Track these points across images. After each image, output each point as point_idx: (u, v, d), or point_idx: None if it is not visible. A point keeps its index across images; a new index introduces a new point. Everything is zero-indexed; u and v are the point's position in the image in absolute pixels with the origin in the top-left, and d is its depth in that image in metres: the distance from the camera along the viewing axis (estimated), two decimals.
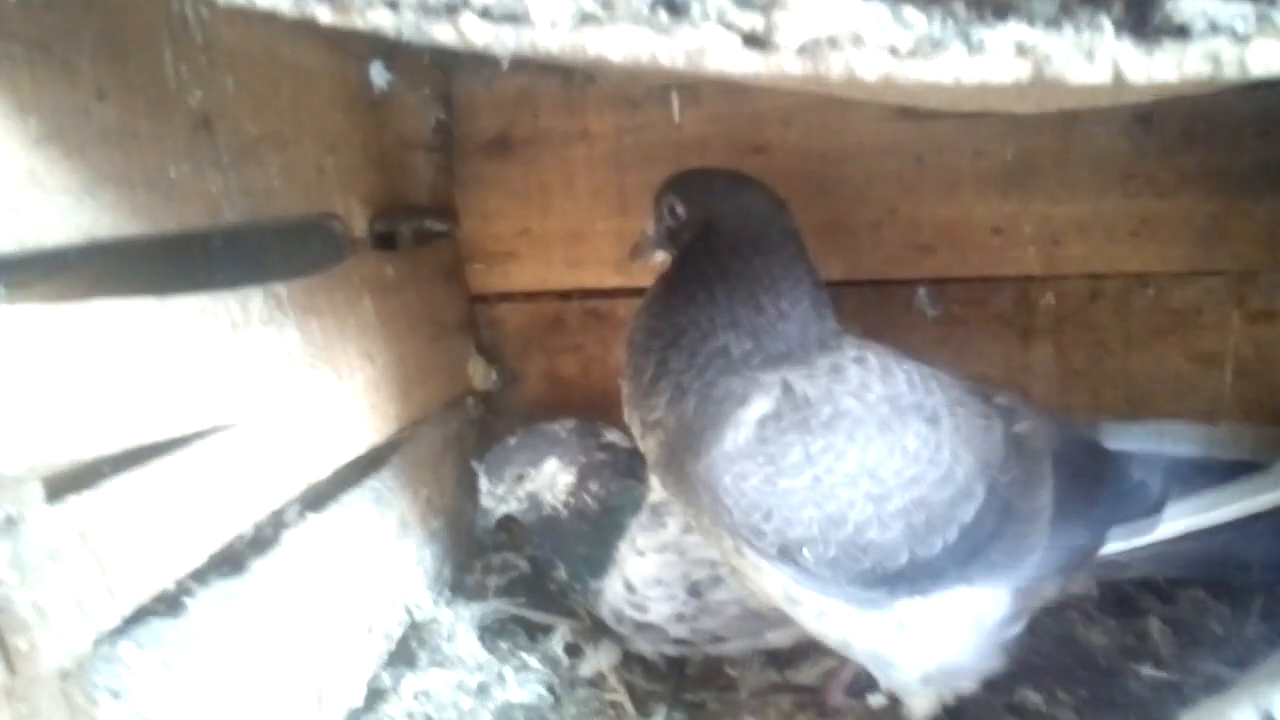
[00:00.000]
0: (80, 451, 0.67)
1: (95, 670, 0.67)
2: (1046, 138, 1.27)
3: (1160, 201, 1.26)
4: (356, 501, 1.04)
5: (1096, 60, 0.43)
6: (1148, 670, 1.13)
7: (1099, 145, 1.26)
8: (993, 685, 1.06)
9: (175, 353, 0.78)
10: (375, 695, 1.01)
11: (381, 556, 1.05)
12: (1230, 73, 0.43)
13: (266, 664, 0.83)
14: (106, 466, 0.71)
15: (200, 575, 0.85)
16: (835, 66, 0.45)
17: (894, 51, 0.45)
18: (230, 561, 0.89)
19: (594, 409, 1.39)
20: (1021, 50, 0.44)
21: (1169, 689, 1.10)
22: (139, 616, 0.74)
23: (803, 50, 0.45)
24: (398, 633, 1.08)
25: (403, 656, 1.08)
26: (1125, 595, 1.27)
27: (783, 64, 0.45)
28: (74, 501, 0.66)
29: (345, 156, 1.09)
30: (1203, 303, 1.29)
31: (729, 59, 0.46)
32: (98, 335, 0.71)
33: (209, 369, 0.82)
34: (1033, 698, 1.05)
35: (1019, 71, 0.44)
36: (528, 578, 1.30)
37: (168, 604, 0.80)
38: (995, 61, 0.45)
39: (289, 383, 0.93)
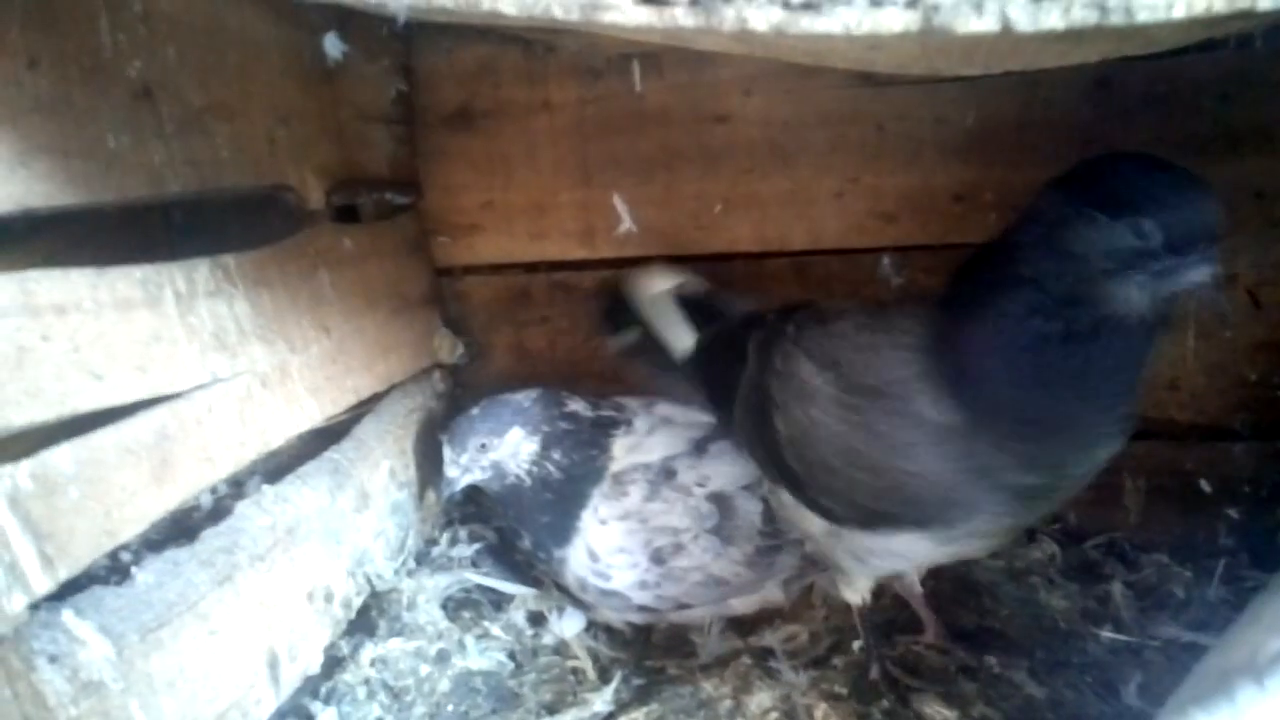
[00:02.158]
0: (12, 419, 0.67)
1: (34, 636, 0.67)
2: (1006, 103, 1.26)
3: None
4: (315, 473, 1.04)
5: (985, 11, 0.43)
6: (1107, 633, 1.14)
7: (1059, 110, 1.25)
8: (948, 648, 1.08)
9: (115, 323, 0.78)
10: (333, 663, 1.02)
11: (340, 528, 1.05)
12: (1116, 20, 0.43)
13: (214, 631, 0.84)
14: (44, 435, 0.71)
15: (155, 544, 0.86)
16: (728, 19, 0.44)
17: (786, 5, 0.45)
18: (185, 531, 0.90)
19: (561, 381, 1.38)
20: (911, 2, 0.44)
21: (1127, 651, 1.11)
22: (83, 584, 0.75)
23: (695, 3, 0.45)
24: (358, 602, 1.09)
25: (363, 626, 1.09)
26: (1089, 560, 1.28)
27: (676, 17, 0.45)
28: (7, 470, 0.66)
29: (298, 128, 1.08)
30: None
31: (623, 13, 0.46)
32: (31, 305, 0.71)
33: (152, 339, 0.82)
34: (988, 660, 1.05)
35: (908, 22, 0.44)
36: (495, 549, 1.31)
37: (116, 572, 0.81)
38: (885, 14, 0.45)
39: (239, 354, 0.93)
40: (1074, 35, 0.49)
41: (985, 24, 0.43)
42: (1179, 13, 0.48)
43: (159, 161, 0.86)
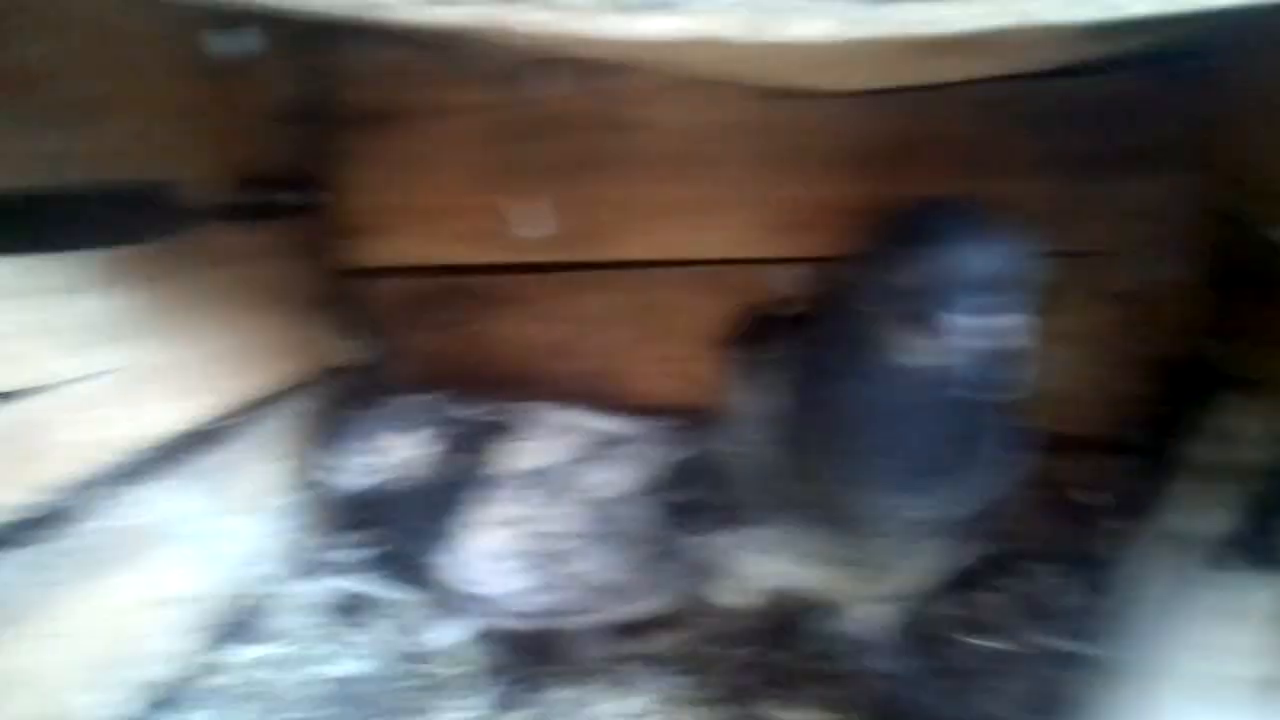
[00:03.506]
0: None
1: None
2: (902, 120, 1.29)
3: (1014, 184, 1.28)
4: (187, 475, 1.02)
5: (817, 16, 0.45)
6: (978, 640, 1.16)
7: (956, 128, 1.28)
8: (814, 654, 1.10)
9: None
10: (190, 670, 1.01)
11: (210, 531, 1.04)
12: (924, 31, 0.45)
13: (56, 636, 0.82)
14: None
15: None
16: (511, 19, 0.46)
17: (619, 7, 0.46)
18: (41, 533, 0.88)
19: (467, 386, 1.38)
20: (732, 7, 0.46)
21: (1001, 659, 1.13)
22: None
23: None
24: (225, 608, 1.08)
25: (228, 632, 1.08)
26: (972, 569, 1.29)
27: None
28: None
29: (187, 124, 1.07)
30: (1060, 284, 1.31)
31: (393, 10, 0.47)
32: None
33: (13, 334, 0.81)
34: (853, 665, 1.06)
35: (727, 29, 0.45)
36: (380, 554, 1.29)
37: None
38: (705, 20, 0.47)
39: (109, 351, 0.92)
40: (905, 48, 0.51)
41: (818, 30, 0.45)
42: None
43: (25, 154, 0.85)
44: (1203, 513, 0.84)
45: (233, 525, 1.08)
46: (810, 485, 0.84)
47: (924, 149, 1.30)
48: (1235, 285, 1.17)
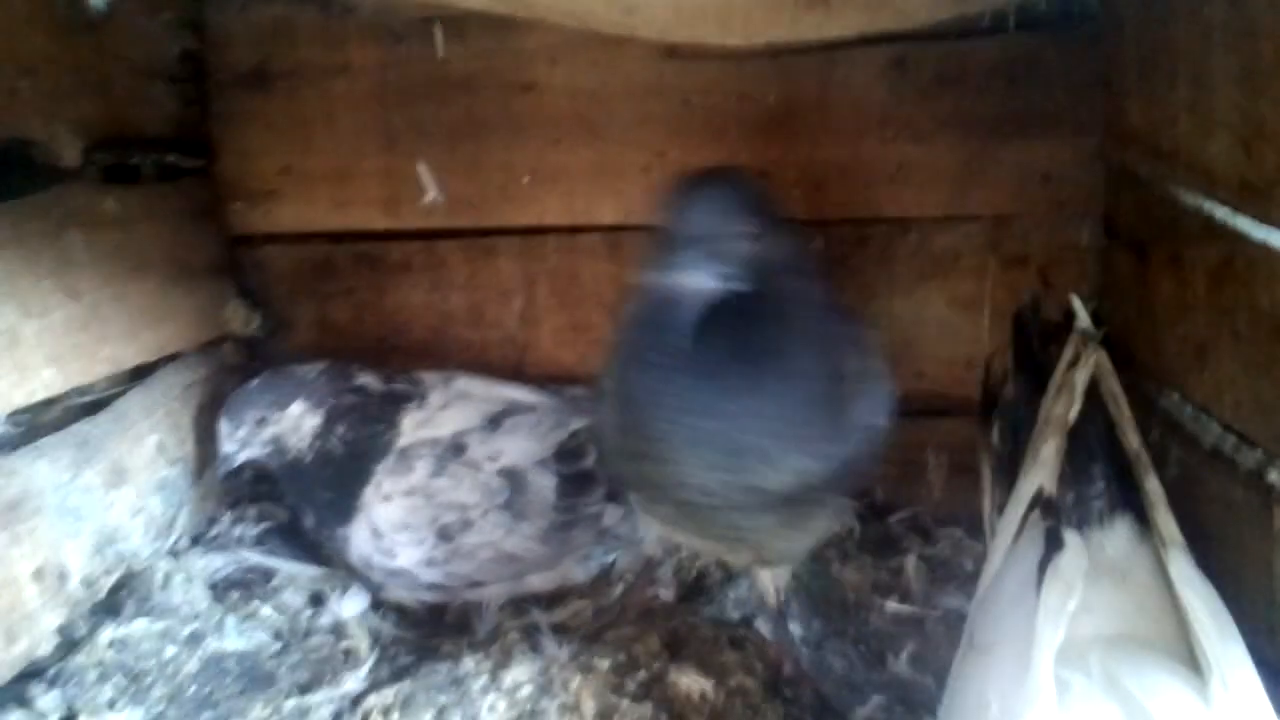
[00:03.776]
0: None
1: None
2: (806, 82, 1.27)
3: (916, 146, 1.27)
4: (55, 446, 0.97)
5: None
6: (892, 604, 1.15)
7: (857, 90, 1.26)
8: (720, 621, 1.08)
9: None
10: (67, 645, 0.96)
11: (83, 504, 0.98)
12: None
13: None
14: None
15: None
16: None
17: None
18: None
19: (367, 355, 1.34)
20: None
21: (909, 622, 1.13)
22: None
23: None
24: (106, 582, 1.03)
25: (109, 606, 1.03)
26: (890, 535, 1.30)
27: None
28: None
29: (49, 81, 1.01)
30: (961, 248, 1.31)
31: None
32: None
33: None
34: (759, 631, 1.05)
35: None
36: (284, 528, 1.25)
37: None
38: None
39: None
40: None
41: None
42: None
43: None
44: (1049, 472, 0.84)
45: (109, 497, 1.03)
46: (639, 461, 0.82)
47: (830, 111, 1.28)
48: (1124, 246, 1.17)
